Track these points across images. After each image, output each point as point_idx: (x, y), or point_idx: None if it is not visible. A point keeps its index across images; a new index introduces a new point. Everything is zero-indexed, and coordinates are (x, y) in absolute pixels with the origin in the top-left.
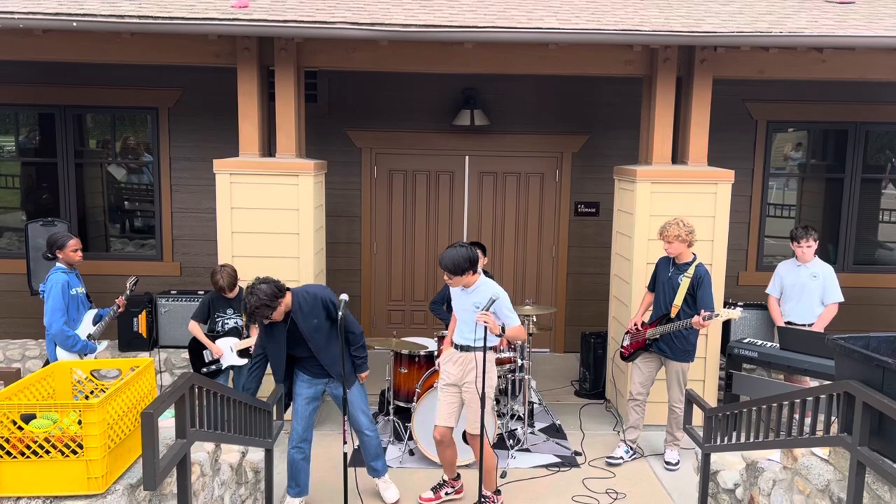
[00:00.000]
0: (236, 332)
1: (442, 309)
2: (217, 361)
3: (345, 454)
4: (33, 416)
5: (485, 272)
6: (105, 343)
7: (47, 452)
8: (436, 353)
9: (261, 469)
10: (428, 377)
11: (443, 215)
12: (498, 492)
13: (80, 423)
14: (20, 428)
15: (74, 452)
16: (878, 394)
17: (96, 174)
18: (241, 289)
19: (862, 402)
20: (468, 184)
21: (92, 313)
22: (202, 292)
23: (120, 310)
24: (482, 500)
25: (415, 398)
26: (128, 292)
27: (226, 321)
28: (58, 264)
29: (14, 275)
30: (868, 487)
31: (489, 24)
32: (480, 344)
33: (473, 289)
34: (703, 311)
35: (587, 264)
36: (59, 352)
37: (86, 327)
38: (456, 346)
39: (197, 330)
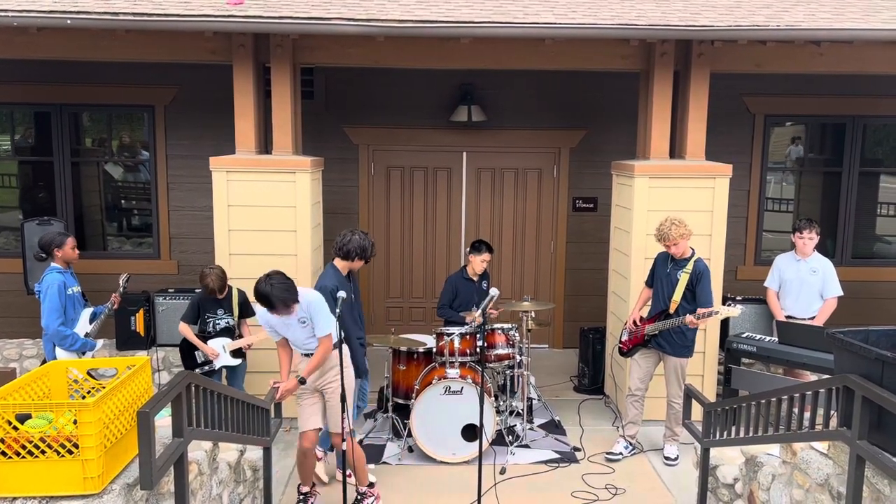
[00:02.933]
0: (228, 332)
1: (451, 310)
2: (210, 362)
3: (343, 452)
4: (29, 416)
5: (483, 272)
6: (101, 342)
7: (43, 452)
8: (435, 350)
9: (259, 467)
10: (427, 374)
11: (440, 212)
12: (371, 485)
13: (75, 422)
14: (15, 428)
15: (70, 452)
16: (877, 387)
17: (93, 173)
18: (230, 288)
19: (861, 396)
20: (466, 180)
21: (88, 311)
22: (199, 291)
23: (115, 306)
24: (358, 496)
25: (413, 395)
26: (121, 289)
27: (217, 321)
28: (53, 264)
29: (10, 274)
30: (867, 481)
31: (485, 19)
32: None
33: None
34: (698, 309)
35: (585, 260)
36: (59, 351)
37: (83, 326)
38: (305, 356)
39: (187, 331)
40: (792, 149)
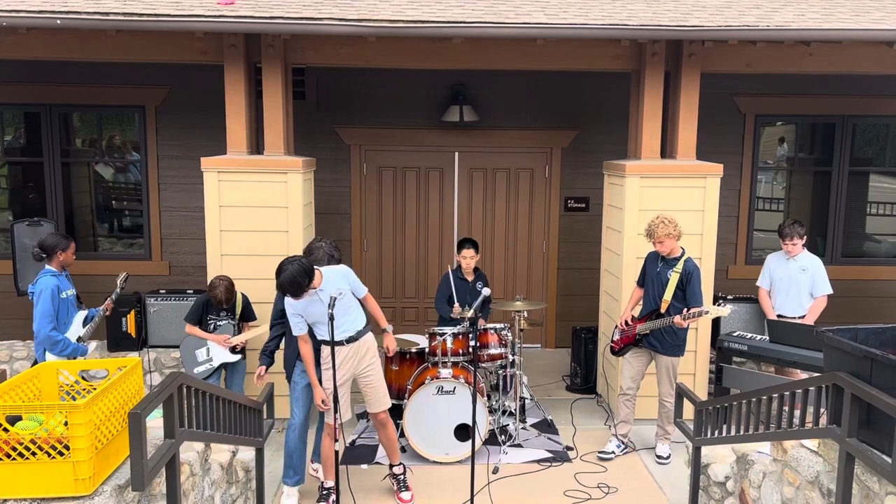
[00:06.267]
0: (230, 332)
1: (447, 306)
2: (210, 360)
3: (336, 452)
4: (19, 418)
5: (476, 269)
6: (94, 344)
7: (34, 454)
8: (428, 350)
9: (252, 468)
10: (419, 374)
11: (433, 212)
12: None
13: (66, 424)
14: (6, 430)
15: (61, 454)
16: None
17: (83, 173)
18: (235, 294)
19: (850, 394)
20: (458, 180)
21: (82, 315)
22: (191, 291)
23: (107, 313)
24: (395, 475)
25: (406, 395)
26: (118, 289)
27: (218, 322)
28: (48, 266)
29: (0, 275)
30: (857, 478)
31: (477, 19)
32: (364, 325)
33: (323, 285)
34: (684, 310)
35: (577, 259)
36: (48, 356)
37: (76, 329)
38: (342, 343)
39: (194, 330)
40: (777, 148)
